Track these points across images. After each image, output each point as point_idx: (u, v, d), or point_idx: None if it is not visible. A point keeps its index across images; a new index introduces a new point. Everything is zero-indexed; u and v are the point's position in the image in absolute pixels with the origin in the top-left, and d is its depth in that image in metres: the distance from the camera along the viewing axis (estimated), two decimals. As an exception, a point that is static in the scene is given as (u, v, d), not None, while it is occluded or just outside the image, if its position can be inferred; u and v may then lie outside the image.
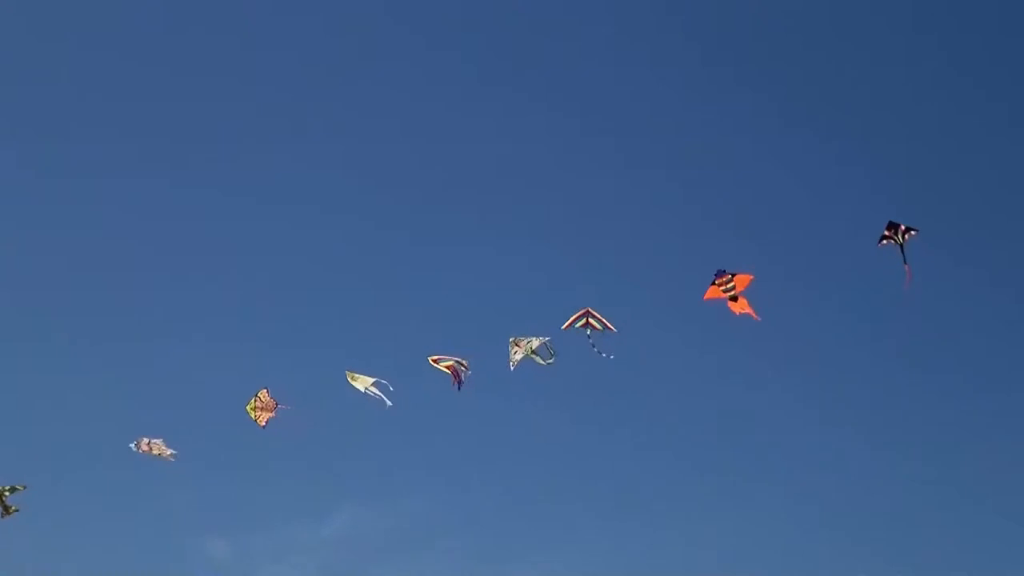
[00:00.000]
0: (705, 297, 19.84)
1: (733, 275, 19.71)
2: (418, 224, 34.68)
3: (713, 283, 19.78)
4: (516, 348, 20.62)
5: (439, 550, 30.82)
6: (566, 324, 20.43)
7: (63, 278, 33.21)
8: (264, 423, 21.44)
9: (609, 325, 20.41)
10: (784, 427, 32.60)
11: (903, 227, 18.98)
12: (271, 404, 21.35)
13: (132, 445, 21.56)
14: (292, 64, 36.04)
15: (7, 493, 20.84)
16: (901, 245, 19.01)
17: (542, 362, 20.66)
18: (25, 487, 20.88)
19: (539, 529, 31.18)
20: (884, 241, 19.10)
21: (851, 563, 29.45)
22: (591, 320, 20.40)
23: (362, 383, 21.22)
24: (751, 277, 19.71)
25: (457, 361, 20.88)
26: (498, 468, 32.55)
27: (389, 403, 21.17)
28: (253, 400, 21.34)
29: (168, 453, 21.66)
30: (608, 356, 20.42)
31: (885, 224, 19.06)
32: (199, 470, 27.03)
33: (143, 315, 33.17)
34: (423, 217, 34.88)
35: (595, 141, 35.56)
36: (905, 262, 19.01)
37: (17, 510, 20.87)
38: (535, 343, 20.60)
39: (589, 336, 20.37)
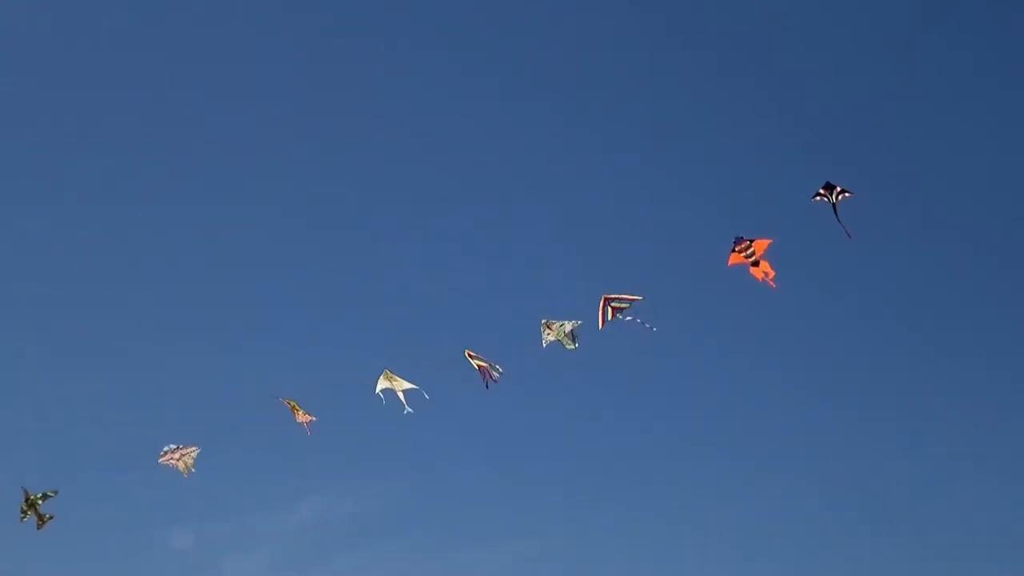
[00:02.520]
0: (728, 264, 20.46)
1: (752, 240, 20.39)
2: (390, 226, 35.10)
3: (733, 250, 20.45)
4: (548, 331, 21.03)
5: (406, 537, 31.06)
6: (600, 324, 20.78)
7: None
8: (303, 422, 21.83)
9: (631, 296, 20.80)
10: (781, 411, 33.02)
11: (839, 188, 20.00)
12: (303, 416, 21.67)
13: (161, 452, 21.27)
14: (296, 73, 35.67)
15: (40, 501, 20.35)
16: (834, 205, 19.96)
17: (570, 346, 21.08)
18: (57, 492, 20.53)
19: (508, 514, 31.48)
20: (817, 198, 20.02)
21: (852, 553, 30.46)
22: (614, 305, 20.78)
23: (396, 385, 21.45)
24: (770, 240, 20.40)
25: (491, 364, 21.24)
26: (465, 454, 32.93)
27: (409, 409, 21.60)
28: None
29: (188, 465, 21.35)
30: (652, 327, 20.77)
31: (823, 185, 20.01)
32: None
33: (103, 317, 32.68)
34: (397, 220, 35.29)
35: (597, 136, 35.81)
36: (839, 220, 19.94)
37: (52, 517, 20.47)
38: (568, 326, 21.01)
39: (628, 319, 20.74)
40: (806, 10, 35.29)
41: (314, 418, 21.64)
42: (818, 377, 33.49)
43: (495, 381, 21.22)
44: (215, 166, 34.98)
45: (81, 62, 34.60)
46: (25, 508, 20.30)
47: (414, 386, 21.47)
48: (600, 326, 20.76)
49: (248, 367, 32.02)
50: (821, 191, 20.01)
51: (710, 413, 32.97)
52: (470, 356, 21.23)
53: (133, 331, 32.33)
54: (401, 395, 21.48)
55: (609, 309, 20.73)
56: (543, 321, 21.03)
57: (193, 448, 21.27)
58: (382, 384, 21.45)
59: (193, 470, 21.20)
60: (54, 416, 30.48)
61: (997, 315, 33.74)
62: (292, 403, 21.49)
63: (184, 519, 30.01)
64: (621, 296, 20.77)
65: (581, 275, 32.74)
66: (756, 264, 20.41)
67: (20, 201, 32.96)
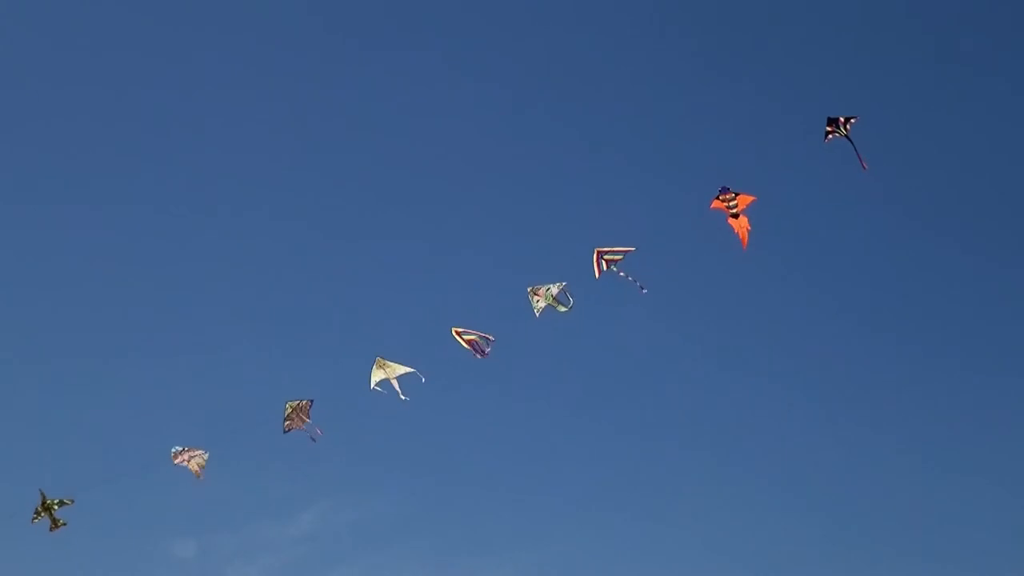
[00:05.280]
0: (711, 207, 20.68)
1: (737, 193, 20.62)
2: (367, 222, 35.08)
3: (717, 197, 20.68)
4: (536, 297, 21.05)
5: (410, 546, 31.03)
6: (597, 273, 20.79)
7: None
8: (287, 430, 21.49)
9: (623, 248, 20.81)
10: (771, 416, 33.15)
11: (843, 119, 20.02)
12: (303, 417, 21.39)
13: (172, 452, 21.16)
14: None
15: (56, 507, 20.42)
16: (847, 136, 20.03)
17: (563, 309, 21.06)
18: (73, 501, 20.53)
19: (511, 524, 31.52)
20: (829, 136, 20.08)
21: (840, 556, 30.54)
22: (607, 258, 20.85)
23: (389, 372, 21.20)
24: (754, 198, 20.63)
25: (481, 336, 21.08)
26: (468, 462, 32.85)
27: (405, 397, 21.32)
28: (296, 404, 21.41)
29: (200, 470, 21.16)
30: (643, 289, 20.96)
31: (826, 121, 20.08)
32: (165, 469, 26.95)
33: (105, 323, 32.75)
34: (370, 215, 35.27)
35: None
36: (856, 151, 20.05)
37: (65, 524, 20.51)
38: (554, 289, 21.03)
39: (621, 272, 20.84)
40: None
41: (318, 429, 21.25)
42: (819, 386, 33.88)
43: (486, 355, 21.03)
44: (208, 168, 35.38)
45: (73, 63, 35.15)
46: (40, 510, 20.36)
47: (410, 369, 21.21)
48: (596, 275, 20.75)
49: (250, 375, 32.29)
50: (828, 128, 19.96)
51: (712, 419, 33.20)
52: (457, 333, 21.03)
53: (132, 337, 32.73)
54: (395, 383, 21.21)
55: (603, 262, 20.75)
56: (529, 289, 21.00)
57: (201, 451, 21.14)
58: (377, 376, 21.17)
59: (202, 477, 21.07)
60: (53, 424, 30.64)
61: (995, 319, 34.09)
62: (301, 408, 21.20)
63: (186, 528, 30.22)
64: (613, 248, 20.77)
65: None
66: (736, 217, 20.62)
67: (15, 203, 33.24)
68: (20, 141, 33.94)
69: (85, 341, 32.51)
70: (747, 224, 20.68)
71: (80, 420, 30.71)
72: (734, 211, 20.62)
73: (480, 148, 35.83)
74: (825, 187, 33.06)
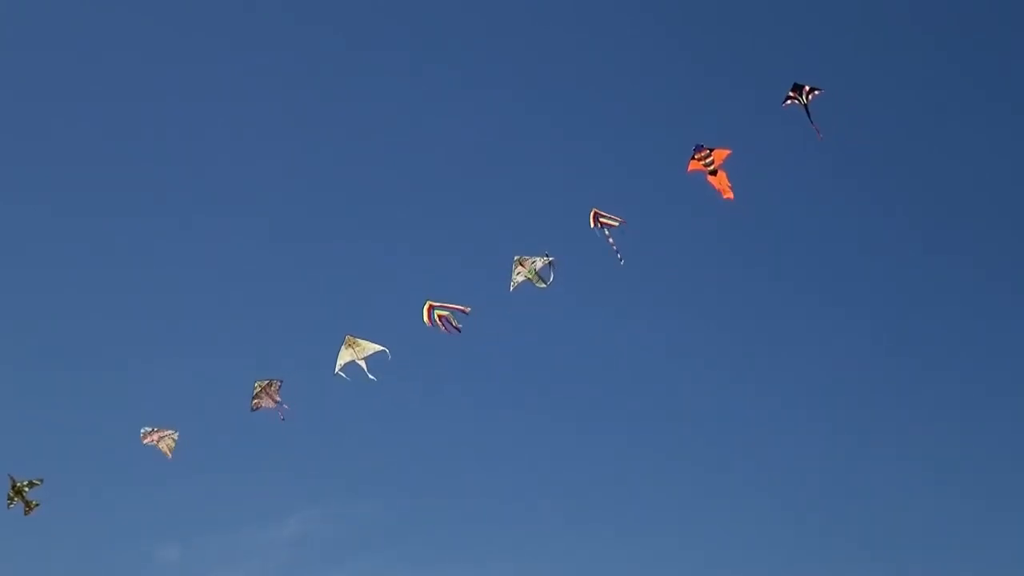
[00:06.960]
0: (688, 170, 20.54)
1: (711, 150, 20.44)
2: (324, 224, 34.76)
3: (693, 157, 20.51)
4: (519, 268, 20.87)
5: (393, 552, 30.78)
6: (592, 224, 20.75)
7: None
8: (254, 408, 21.27)
9: (617, 218, 20.83)
10: (763, 418, 32.82)
11: (807, 88, 20.01)
12: (273, 397, 21.17)
13: (141, 433, 20.95)
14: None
15: (27, 488, 20.13)
16: (806, 105, 20.01)
17: (542, 284, 20.89)
18: (43, 480, 20.23)
19: (494, 532, 31.42)
20: (788, 102, 20.07)
21: (834, 559, 30.27)
22: (602, 219, 20.79)
23: (358, 351, 20.85)
24: (729, 151, 20.48)
25: (456, 309, 20.77)
26: (452, 471, 32.56)
27: (373, 378, 20.91)
28: (265, 383, 21.12)
29: (170, 447, 20.95)
30: (621, 261, 20.93)
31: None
32: (148, 474, 26.93)
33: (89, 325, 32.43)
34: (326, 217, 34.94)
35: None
36: (811, 122, 20.02)
37: (38, 505, 20.23)
38: (539, 263, 20.88)
39: (608, 236, 20.83)
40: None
41: (286, 406, 21.10)
42: (811, 387, 33.62)
43: (458, 330, 20.74)
44: (200, 172, 35.19)
45: (65, 67, 34.86)
46: (12, 495, 20.16)
47: (380, 347, 20.79)
48: (592, 226, 20.69)
49: (235, 379, 31.71)
50: (791, 93, 20.01)
51: (701, 426, 33.02)
52: (431, 307, 20.69)
53: (119, 340, 32.48)
54: (363, 363, 20.85)
55: (599, 221, 20.71)
56: (516, 258, 20.81)
57: (171, 431, 20.91)
58: (345, 357, 20.79)
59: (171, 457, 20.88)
60: (36, 428, 30.36)
61: (986, 328, 33.85)
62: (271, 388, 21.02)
63: (170, 533, 29.96)
64: (611, 216, 20.78)
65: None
66: (714, 173, 20.47)
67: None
68: (21, 142, 33.90)
69: (77, 343, 32.51)
70: (727, 180, 20.51)
71: (63, 423, 30.57)
72: (711, 168, 20.46)
73: (466, 140, 35.68)
74: (823, 185, 32.90)
